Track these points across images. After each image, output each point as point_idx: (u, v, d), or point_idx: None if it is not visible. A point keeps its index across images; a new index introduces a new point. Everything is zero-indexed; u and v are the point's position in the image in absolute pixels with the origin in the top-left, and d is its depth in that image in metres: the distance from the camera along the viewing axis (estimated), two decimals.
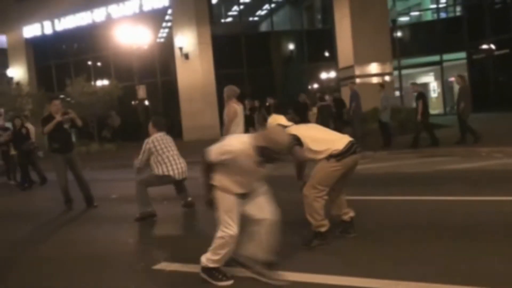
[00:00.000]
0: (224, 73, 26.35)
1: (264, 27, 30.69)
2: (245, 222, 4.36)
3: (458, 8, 29.22)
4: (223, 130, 8.90)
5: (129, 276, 4.96)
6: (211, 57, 26.38)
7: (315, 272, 4.43)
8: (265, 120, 16.55)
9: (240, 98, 9.25)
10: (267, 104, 17.56)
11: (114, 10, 28.73)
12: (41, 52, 32.44)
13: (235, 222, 4.27)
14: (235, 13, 29.88)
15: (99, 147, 24.57)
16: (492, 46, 25.05)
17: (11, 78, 32.26)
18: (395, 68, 26.97)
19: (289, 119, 5.75)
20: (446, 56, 27.98)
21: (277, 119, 5.48)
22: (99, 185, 12.84)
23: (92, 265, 5.49)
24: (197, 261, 5.09)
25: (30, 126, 14.47)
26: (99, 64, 30.73)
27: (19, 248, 6.70)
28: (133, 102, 26.32)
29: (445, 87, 28.83)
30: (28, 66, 32.68)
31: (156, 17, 27.95)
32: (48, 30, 31.44)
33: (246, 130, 17.34)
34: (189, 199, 8.03)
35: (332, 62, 28.40)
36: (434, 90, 30.78)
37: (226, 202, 4.26)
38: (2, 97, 26.86)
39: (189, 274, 4.82)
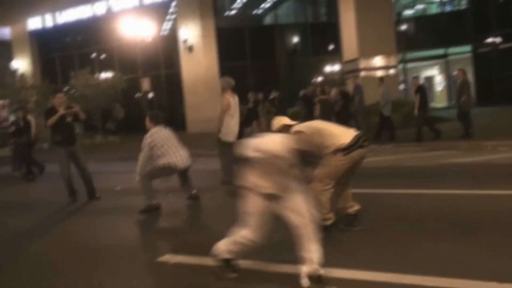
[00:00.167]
0: (228, 65, 26.29)
1: (268, 20, 30.58)
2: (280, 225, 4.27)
3: (464, 1, 29.04)
4: (217, 121, 8.95)
5: (134, 268, 4.98)
6: (215, 50, 26.33)
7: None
8: (269, 112, 16.65)
9: (234, 90, 9.30)
10: (271, 97, 17.54)
11: (118, 2, 28.67)
12: (45, 44, 32.42)
13: (255, 228, 4.09)
14: (239, 5, 29.77)
15: (103, 139, 24.59)
16: (498, 40, 24.92)
17: (16, 70, 32.28)
18: (400, 62, 26.87)
19: (292, 117, 5.77)
20: (451, 50, 27.86)
21: (281, 120, 5.43)
22: (103, 177, 12.87)
23: (96, 257, 5.51)
24: (201, 253, 5.12)
25: (31, 119, 14.52)
26: (103, 56, 30.70)
27: (23, 239, 6.73)
28: (137, 95, 26.32)
29: (450, 81, 28.72)
30: (32, 58, 32.69)
31: (160, 9, 27.88)
32: (52, 22, 31.41)
33: (250, 123, 17.44)
34: (194, 191, 8.06)
35: (336, 55, 28.29)
36: (439, 84, 30.67)
37: (251, 205, 4.07)
38: (7, 89, 26.89)
39: (193, 266, 4.84)
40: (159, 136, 7.64)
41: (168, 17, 28.68)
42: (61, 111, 8.96)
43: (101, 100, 25.19)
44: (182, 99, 26.72)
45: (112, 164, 16.03)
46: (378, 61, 26.05)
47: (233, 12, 30.00)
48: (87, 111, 24.91)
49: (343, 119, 14.00)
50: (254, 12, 30.70)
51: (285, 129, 5.16)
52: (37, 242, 6.54)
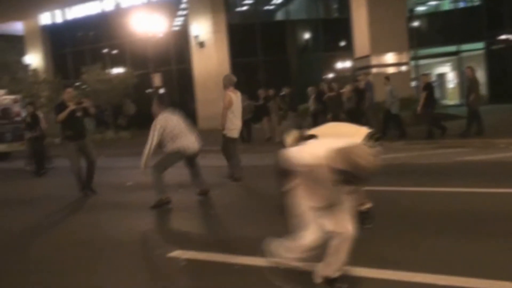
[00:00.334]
0: (239, 61, 26.31)
1: (279, 16, 30.52)
2: None
3: None
4: (221, 118, 9.09)
5: (144, 263, 4.99)
6: (226, 46, 26.32)
7: None
8: (280, 109, 16.61)
9: (237, 87, 9.46)
10: (282, 93, 17.50)
11: None
12: (57, 40, 32.59)
13: (312, 229, 3.70)
14: (250, 1, 29.74)
15: (114, 134, 24.69)
16: (511, 37, 24.68)
17: (28, 65, 32.48)
18: (412, 58, 26.71)
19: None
20: (464, 47, 27.63)
21: (293, 135, 5.35)
22: (114, 173, 12.92)
23: (107, 252, 5.53)
24: (212, 249, 5.12)
25: (40, 114, 14.63)
26: (114, 52, 30.81)
27: (34, 234, 6.76)
28: (148, 90, 26.38)
29: (463, 78, 28.49)
30: (44, 53, 32.89)
31: (171, 5, 27.92)
32: (64, 18, 31.56)
33: (260, 119, 17.41)
34: (204, 187, 8.04)
35: (348, 52, 28.17)
36: (451, 81, 30.45)
37: (301, 208, 3.73)
38: (19, 83, 27.05)
39: (204, 262, 4.83)
40: (168, 121, 7.59)
41: (179, 12, 28.70)
42: (71, 106, 9.00)
43: (112, 95, 25.29)
44: (193, 95, 26.75)
45: (123, 160, 16.07)
46: (390, 57, 25.92)
47: (244, 7, 29.97)
48: (98, 106, 25.10)
49: (356, 116, 13.92)
50: (266, 8, 30.65)
51: (300, 141, 5.11)
52: (47, 237, 6.57)
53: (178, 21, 29.07)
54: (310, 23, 30.01)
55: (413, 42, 25.55)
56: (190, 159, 7.81)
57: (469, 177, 8.21)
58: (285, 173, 3.74)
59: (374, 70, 24.54)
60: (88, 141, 9.37)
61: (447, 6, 30.04)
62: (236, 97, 9.25)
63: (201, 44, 26.06)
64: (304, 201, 3.68)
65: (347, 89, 15.28)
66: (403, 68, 25.83)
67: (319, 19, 29.52)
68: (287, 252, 3.85)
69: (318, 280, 3.94)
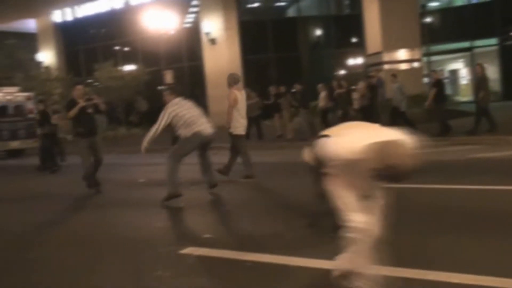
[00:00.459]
0: (250, 58, 26.29)
1: (291, 13, 30.42)
2: None
3: None
4: (226, 116, 9.18)
5: (156, 260, 4.99)
6: (237, 43, 26.31)
7: None
8: (291, 106, 16.58)
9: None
10: (294, 90, 17.47)
11: None
12: (70, 37, 32.75)
13: (359, 209, 3.46)
14: None
15: (126, 131, 24.79)
16: None
17: (41, 63, 32.69)
18: (424, 55, 26.53)
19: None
20: (477, 43, 27.40)
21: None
22: (126, 169, 12.99)
23: (118, 248, 5.55)
24: (224, 246, 5.12)
25: (50, 111, 14.75)
26: (126, 49, 30.91)
27: (45, 230, 6.81)
28: (159, 87, 26.44)
29: (475, 74, 28.27)
30: (57, 50, 33.07)
31: (183, 2, 27.91)
32: (76, 15, 31.70)
33: (271, 116, 17.39)
34: (215, 183, 8.04)
35: (359, 48, 28.05)
36: (463, 77, 30.22)
37: (340, 190, 3.50)
38: (32, 81, 27.24)
39: (216, 259, 4.84)
40: (181, 106, 7.58)
41: (191, 9, 28.71)
42: (81, 102, 9.07)
43: (124, 92, 25.38)
44: (205, 91, 26.78)
45: (135, 156, 16.13)
46: (402, 54, 25.77)
47: (255, 4, 29.92)
48: (110, 103, 25.20)
49: (370, 113, 13.85)
50: (277, 4, 30.57)
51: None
52: (58, 233, 6.61)
53: (190, 18, 29.07)
54: (321, 19, 29.89)
55: (425, 38, 25.38)
56: (203, 149, 7.79)
57: (482, 174, 8.14)
58: (320, 164, 3.56)
59: (386, 66, 24.42)
60: (99, 139, 9.43)
61: (460, 1, 29.77)
62: (241, 95, 9.33)
63: (213, 41, 26.07)
64: (343, 190, 3.48)
65: (361, 85, 15.19)
66: (415, 64, 25.68)
67: (331, 15, 29.40)
68: (352, 257, 3.58)
69: (335, 273, 3.86)
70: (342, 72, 27.98)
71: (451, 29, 27.72)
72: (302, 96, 16.74)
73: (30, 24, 33.88)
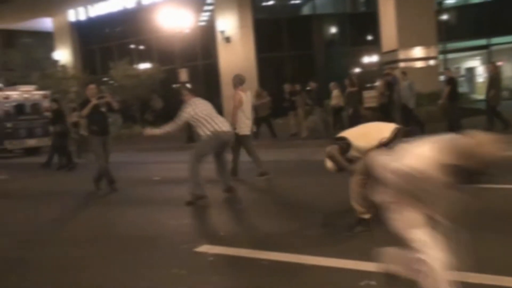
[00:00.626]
0: (265, 56, 26.27)
1: (306, 10, 30.34)
2: None
3: None
4: (231, 117, 9.22)
5: (171, 258, 5.01)
6: (252, 41, 26.29)
7: (357, 259, 4.35)
8: (306, 104, 16.54)
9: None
10: (308, 88, 17.42)
11: None
12: (86, 36, 32.96)
13: (434, 242, 2.92)
14: None
15: (141, 129, 24.89)
16: None
17: (57, 61, 32.96)
18: (440, 52, 26.30)
19: None
20: (494, 40, 27.10)
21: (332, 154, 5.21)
22: (141, 167, 13.06)
23: (133, 245, 5.57)
24: (239, 245, 5.12)
25: (64, 109, 14.94)
26: (141, 47, 31.05)
27: (60, 227, 6.88)
28: (174, 85, 26.53)
29: (497, 71, 27.93)
30: (73, 49, 33.29)
31: (197, 0, 27.96)
32: (92, 14, 31.88)
33: (284, 114, 17.35)
34: (231, 184, 8.03)
35: (375, 46, 27.87)
36: (480, 75, 29.93)
37: (406, 216, 2.98)
38: (49, 79, 27.48)
39: (232, 257, 4.84)
40: (199, 105, 7.61)
41: (205, 8, 28.75)
42: (94, 101, 9.15)
43: (139, 90, 25.51)
44: (219, 90, 26.80)
45: (150, 154, 16.22)
46: (417, 52, 25.55)
47: (270, 2, 29.87)
48: (124, 102, 25.34)
49: (388, 112, 13.78)
50: (292, 2, 30.50)
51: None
52: (74, 230, 6.66)
53: (204, 16, 29.11)
54: (336, 17, 29.77)
55: (441, 36, 25.13)
56: (220, 149, 7.79)
57: (506, 174, 8.00)
58: (375, 183, 3.06)
59: (402, 64, 24.23)
60: (110, 139, 9.50)
61: None
62: (246, 96, 9.43)
63: (227, 39, 26.07)
64: (409, 214, 2.96)
65: (379, 83, 15.09)
66: (431, 62, 25.44)
67: (346, 13, 29.27)
68: (404, 263, 3.12)
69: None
70: (357, 70, 27.85)
71: (467, 26, 27.44)
72: (316, 94, 16.69)
73: (46, 23, 34.16)
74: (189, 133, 16.09)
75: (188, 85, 14.90)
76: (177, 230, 6.24)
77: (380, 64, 27.12)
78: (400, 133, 5.13)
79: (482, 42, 27.25)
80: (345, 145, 5.13)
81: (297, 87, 17.22)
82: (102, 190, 9.22)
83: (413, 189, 2.86)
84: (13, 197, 10.02)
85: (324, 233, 5.40)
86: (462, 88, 27.07)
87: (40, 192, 10.36)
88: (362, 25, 29.03)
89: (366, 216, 5.21)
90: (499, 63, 22.06)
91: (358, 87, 15.80)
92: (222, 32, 26.17)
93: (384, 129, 5.18)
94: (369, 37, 28.98)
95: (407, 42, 24.90)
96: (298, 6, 30.60)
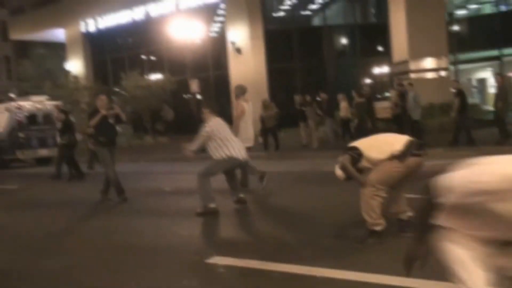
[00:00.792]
0: (276, 67, 26.33)
1: (316, 21, 30.42)
2: None
3: None
4: (233, 128, 9.09)
5: (182, 269, 5.00)
6: (263, 52, 26.37)
7: (368, 271, 4.33)
8: (318, 115, 16.53)
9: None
10: (319, 99, 17.43)
11: (167, 5, 29.09)
12: (98, 46, 33.27)
13: (480, 277, 2.48)
14: (287, 7, 29.73)
15: (152, 140, 25.01)
16: None
17: (69, 72, 33.25)
18: (451, 63, 26.23)
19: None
20: (505, 51, 26.99)
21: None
22: (152, 178, 13.08)
23: (144, 257, 5.56)
24: (250, 256, 5.10)
25: (73, 120, 14.99)
26: (152, 58, 31.25)
27: (70, 237, 6.89)
28: (185, 96, 26.63)
29: (505, 83, 27.78)
30: (85, 59, 33.60)
31: (208, 11, 28.15)
32: (104, 25, 32.18)
33: (295, 124, 17.33)
34: (241, 195, 8.00)
35: (385, 57, 27.86)
36: (492, 86, 29.79)
37: (454, 252, 2.53)
38: (61, 90, 27.70)
39: (243, 269, 4.82)
40: (220, 128, 7.61)
41: (216, 19, 28.92)
42: (103, 112, 9.20)
43: (151, 101, 25.65)
44: (230, 101, 26.87)
45: (161, 165, 16.25)
46: (428, 62, 25.50)
47: (281, 13, 29.98)
48: (136, 113, 25.46)
49: (401, 122, 13.74)
50: (303, 13, 30.59)
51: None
52: (83, 240, 6.67)
53: (215, 27, 29.28)
54: (347, 28, 29.81)
55: (453, 47, 25.06)
56: (231, 168, 7.79)
57: None
58: (434, 207, 2.55)
59: (413, 75, 24.18)
60: (116, 150, 9.53)
61: (488, 9, 29.39)
62: (248, 107, 9.47)
63: (238, 50, 26.17)
64: (465, 242, 2.50)
65: (392, 94, 15.08)
66: (442, 73, 25.37)
67: (356, 24, 29.30)
68: None
69: None
70: (368, 80, 27.81)
71: (479, 37, 27.35)
72: (327, 105, 16.70)
73: (59, 34, 34.52)
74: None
75: (198, 97, 14.96)
76: (188, 241, 6.23)
77: (391, 75, 27.08)
78: (413, 146, 5.12)
79: (494, 53, 27.15)
80: (357, 155, 5.14)
81: (308, 98, 17.23)
82: (112, 201, 9.23)
83: (485, 211, 2.37)
84: (20, 207, 10.02)
85: (335, 245, 5.37)
86: (474, 99, 26.95)
87: (49, 201, 10.36)
88: (373, 36, 29.05)
89: (378, 228, 5.19)
90: (510, 74, 21.98)
91: (368, 98, 15.77)
92: (233, 43, 26.28)
93: (396, 141, 5.17)
94: (380, 48, 28.99)
95: (418, 53, 24.88)
96: (308, 17, 30.68)
